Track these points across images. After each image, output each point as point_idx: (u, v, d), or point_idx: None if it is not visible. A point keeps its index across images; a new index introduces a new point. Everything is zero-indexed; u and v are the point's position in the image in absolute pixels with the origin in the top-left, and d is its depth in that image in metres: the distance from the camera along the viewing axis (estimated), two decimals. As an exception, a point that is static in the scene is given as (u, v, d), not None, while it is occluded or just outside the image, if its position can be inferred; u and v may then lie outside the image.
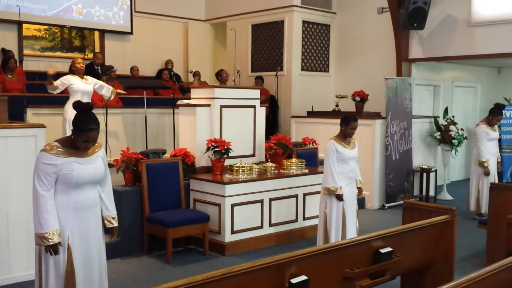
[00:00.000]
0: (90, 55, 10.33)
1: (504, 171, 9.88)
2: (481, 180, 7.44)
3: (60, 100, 7.53)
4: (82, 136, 3.26)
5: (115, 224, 3.64)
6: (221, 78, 8.85)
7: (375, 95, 9.03)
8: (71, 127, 3.34)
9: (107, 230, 3.66)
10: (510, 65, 11.27)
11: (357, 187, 5.42)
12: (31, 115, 7.04)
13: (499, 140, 7.92)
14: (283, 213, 6.33)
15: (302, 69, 10.40)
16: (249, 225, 6.01)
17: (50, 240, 3.21)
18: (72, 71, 6.68)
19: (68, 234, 3.32)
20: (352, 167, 5.31)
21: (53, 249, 3.25)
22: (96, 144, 3.43)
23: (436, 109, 10.47)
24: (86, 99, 6.40)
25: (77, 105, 3.33)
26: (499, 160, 7.63)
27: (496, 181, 7.33)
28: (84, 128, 3.24)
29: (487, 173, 7.34)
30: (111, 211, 3.62)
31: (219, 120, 6.51)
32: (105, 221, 3.59)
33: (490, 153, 7.42)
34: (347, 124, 5.21)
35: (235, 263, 3.94)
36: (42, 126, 4.84)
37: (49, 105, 7.43)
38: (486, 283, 2.84)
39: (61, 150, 3.28)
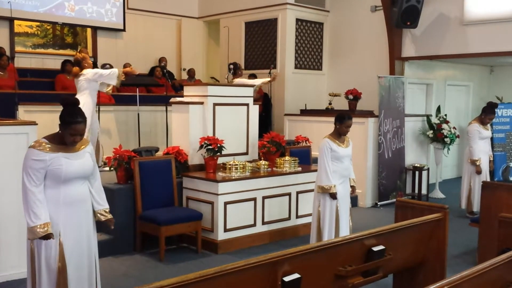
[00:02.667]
0: (82, 52, 10.28)
1: (496, 170, 9.93)
2: (472, 179, 7.48)
3: (52, 97, 7.50)
4: (69, 130, 3.27)
5: (109, 216, 3.63)
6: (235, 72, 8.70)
7: (368, 93, 9.05)
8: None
9: (100, 228, 3.64)
10: (503, 64, 11.32)
11: (351, 186, 5.43)
12: (22, 112, 6.98)
13: (491, 139, 7.96)
14: (276, 211, 6.33)
15: (296, 67, 10.40)
16: (242, 223, 6.00)
17: (41, 231, 3.20)
18: (84, 67, 6.64)
19: (60, 229, 3.33)
20: (346, 166, 5.31)
21: (46, 238, 3.25)
22: (83, 140, 3.45)
23: (428, 108, 10.50)
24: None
25: (63, 99, 3.37)
26: (491, 159, 7.67)
27: (488, 180, 7.37)
28: (70, 121, 3.27)
29: (479, 172, 7.37)
30: (103, 205, 3.62)
31: (212, 118, 6.49)
32: (99, 215, 3.59)
33: (482, 151, 7.45)
34: (342, 122, 5.21)
35: (228, 261, 3.93)
36: (33, 123, 4.81)
37: (40, 102, 7.38)
38: (478, 281, 2.86)
39: (49, 146, 3.29)
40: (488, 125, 7.64)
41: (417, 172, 8.82)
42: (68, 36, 10.54)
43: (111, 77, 6.59)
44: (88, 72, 6.56)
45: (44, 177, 3.28)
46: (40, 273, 3.33)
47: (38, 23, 10.01)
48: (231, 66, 8.17)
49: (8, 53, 9.11)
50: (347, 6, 10.48)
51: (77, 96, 5.82)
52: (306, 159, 7.35)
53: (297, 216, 6.56)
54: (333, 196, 5.17)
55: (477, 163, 7.35)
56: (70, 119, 3.27)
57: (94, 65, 8.93)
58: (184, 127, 6.46)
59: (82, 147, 3.44)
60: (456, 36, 9.07)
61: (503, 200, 5.03)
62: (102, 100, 7.53)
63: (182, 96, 6.89)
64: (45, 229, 3.22)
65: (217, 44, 11.84)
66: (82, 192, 3.44)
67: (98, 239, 3.67)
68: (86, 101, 6.30)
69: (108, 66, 8.45)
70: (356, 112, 8.66)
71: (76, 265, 3.41)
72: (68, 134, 3.29)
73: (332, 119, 5.33)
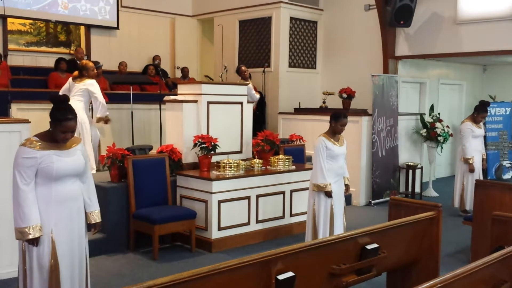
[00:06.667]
0: (77, 51, 10.23)
1: (489, 168, 9.99)
2: (465, 177, 7.50)
3: (45, 95, 7.46)
4: (60, 127, 3.28)
5: (98, 219, 3.63)
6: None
7: (362, 92, 9.06)
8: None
9: (89, 226, 3.63)
10: (495, 63, 11.38)
11: (345, 184, 5.44)
12: (15, 110, 6.95)
13: (484, 137, 7.99)
14: (270, 209, 6.33)
15: (290, 66, 10.40)
16: (236, 222, 6.00)
17: (30, 234, 3.21)
18: (89, 75, 6.72)
19: (52, 227, 3.32)
20: (341, 164, 5.32)
21: (34, 242, 3.26)
22: (75, 139, 3.45)
23: (422, 106, 10.54)
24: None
25: (53, 96, 3.37)
26: (484, 157, 7.70)
27: (481, 178, 7.40)
28: (61, 118, 3.26)
29: (471, 170, 7.39)
30: (94, 207, 3.61)
31: (206, 116, 6.48)
32: (90, 216, 3.58)
33: (475, 150, 7.47)
34: (337, 120, 5.21)
35: (222, 260, 3.93)
36: (26, 121, 4.78)
37: (34, 100, 7.35)
38: (471, 279, 2.87)
39: (40, 143, 3.29)
40: (481, 123, 7.67)
41: (410, 171, 8.85)
42: (62, 34, 10.49)
43: (103, 110, 6.76)
44: (92, 87, 6.66)
45: (35, 175, 3.27)
46: (32, 272, 3.32)
47: (31, 21, 9.94)
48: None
49: (1, 51, 9.07)
50: (341, 5, 10.48)
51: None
52: (300, 158, 7.36)
53: (291, 215, 6.56)
54: (329, 194, 5.18)
55: (470, 162, 7.38)
56: (61, 117, 3.27)
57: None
58: (178, 126, 6.44)
59: (74, 145, 3.44)
60: (449, 35, 9.10)
61: (496, 199, 5.06)
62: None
63: (176, 95, 6.88)
64: (34, 232, 3.21)
65: (211, 42, 11.82)
66: (74, 190, 3.44)
67: (91, 237, 3.66)
68: (77, 106, 6.29)
69: (100, 64, 8.42)
70: (350, 111, 8.66)
71: (68, 263, 3.41)
72: (59, 132, 3.29)
73: (326, 117, 5.34)
